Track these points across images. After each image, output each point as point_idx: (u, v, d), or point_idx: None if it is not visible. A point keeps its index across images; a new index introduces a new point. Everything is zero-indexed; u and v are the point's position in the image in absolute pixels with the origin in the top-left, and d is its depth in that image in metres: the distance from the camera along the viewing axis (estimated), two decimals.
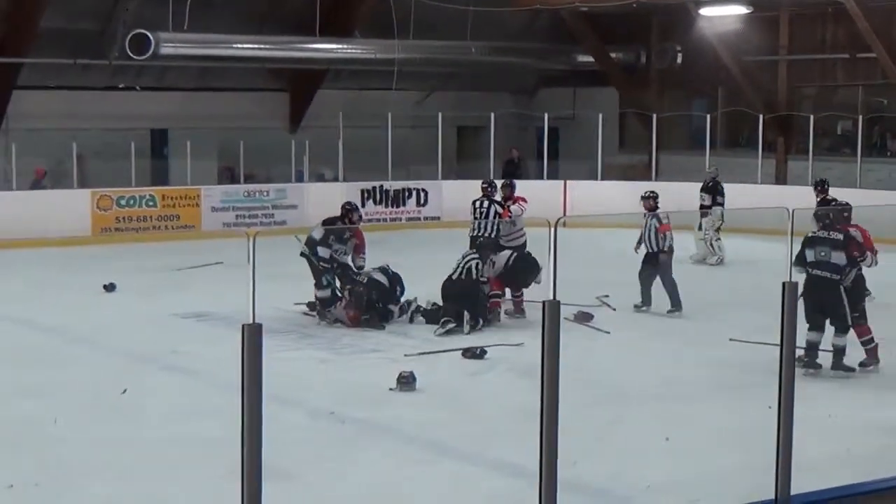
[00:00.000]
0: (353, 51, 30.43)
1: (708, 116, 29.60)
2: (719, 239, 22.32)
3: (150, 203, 26.03)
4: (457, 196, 25.81)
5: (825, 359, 13.14)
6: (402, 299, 16.55)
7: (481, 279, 15.99)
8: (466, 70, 32.69)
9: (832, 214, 13.45)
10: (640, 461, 10.00)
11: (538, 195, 21.09)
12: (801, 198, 20.02)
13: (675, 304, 16.85)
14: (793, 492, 6.94)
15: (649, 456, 10.14)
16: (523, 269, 16.59)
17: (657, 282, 17.03)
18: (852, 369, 13.10)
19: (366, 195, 27.71)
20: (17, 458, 10.07)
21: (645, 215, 17.26)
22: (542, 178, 29.54)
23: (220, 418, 10.89)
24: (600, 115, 29.46)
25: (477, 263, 16.04)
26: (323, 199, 24.43)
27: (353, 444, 10.60)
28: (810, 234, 13.17)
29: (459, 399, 12.41)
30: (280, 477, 8.32)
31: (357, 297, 16.14)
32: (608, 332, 15.62)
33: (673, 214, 21.18)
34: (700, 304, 17.41)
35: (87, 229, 25.09)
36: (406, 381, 12.45)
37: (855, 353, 13.27)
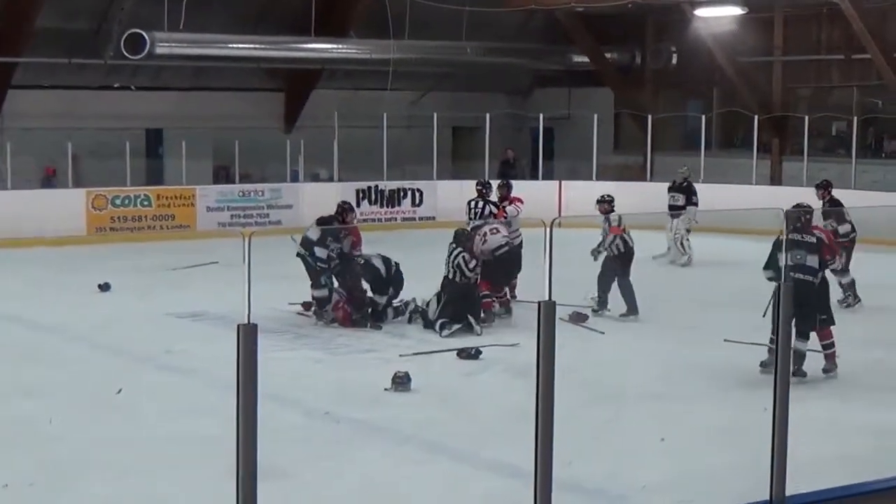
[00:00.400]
0: (349, 51, 30.43)
1: (703, 117, 29.61)
2: (688, 239, 22.28)
3: (146, 203, 26.01)
4: (452, 196, 25.80)
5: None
6: (400, 299, 16.54)
7: (468, 267, 15.98)
8: (461, 70, 32.70)
9: (804, 216, 13.25)
10: (635, 461, 10.01)
11: (533, 195, 21.10)
12: (796, 199, 19.96)
13: (631, 310, 16.71)
14: (787, 493, 6.95)
15: (644, 456, 10.15)
16: (509, 262, 16.61)
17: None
18: (805, 374, 12.74)
19: (361, 195, 27.72)
20: (13, 458, 10.07)
21: (605, 219, 17.13)
22: (537, 178, 29.56)
23: (216, 417, 10.88)
24: (595, 116, 29.48)
25: (464, 256, 16.04)
26: (318, 198, 24.42)
27: (349, 444, 10.60)
28: (782, 238, 12.74)
29: (454, 399, 12.42)
30: (275, 476, 8.31)
31: (353, 277, 16.13)
32: (602, 333, 15.63)
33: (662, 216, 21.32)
34: (694, 305, 17.44)
35: (81, 229, 25.07)
36: (401, 382, 12.46)
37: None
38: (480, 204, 18.20)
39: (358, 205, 26.18)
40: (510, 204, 18.14)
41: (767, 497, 6.90)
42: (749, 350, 13.19)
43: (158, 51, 26.66)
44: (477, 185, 18.82)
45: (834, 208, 17.76)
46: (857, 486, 7.46)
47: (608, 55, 33.39)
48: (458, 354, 14.20)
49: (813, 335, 12.96)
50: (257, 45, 29.38)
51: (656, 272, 21.28)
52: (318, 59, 30.44)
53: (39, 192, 25.25)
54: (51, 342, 15.29)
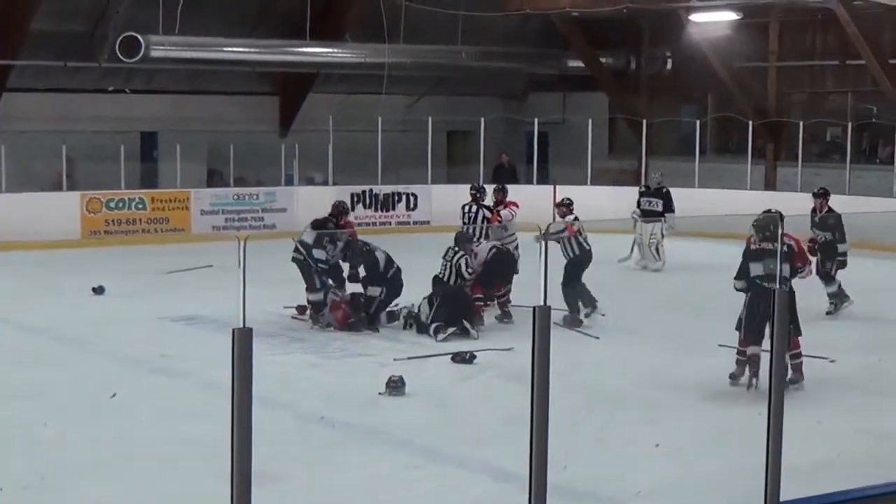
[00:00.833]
0: (344, 55, 30.45)
1: (697, 122, 29.65)
2: (663, 245, 22.19)
3: (140, 206, 25.99)
4: (446, 200, 25.81)
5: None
6: (395, 303, 16.52)
7: (468, 272, 16.01)
8: (456, 74, 32.71)
9: (773, 225, 12.94)
10: (629, 466, 10.00)
11: (528, 200, 21.09)
12: (791, 204, 19.96)
13: (589, 304, 16.68)
14: (782, 498, 6.94)
15: (638, 461, 10.14)
16: (502, 265, 16.60)
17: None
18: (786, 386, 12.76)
19: (355, 199, 27.71)
20: (6, 460, 10.04)
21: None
22: (531, 182, 29.56)
23: (210, 421, 10.88)
24: (590, 121, 29.51)
25: (466, 259, 16.08)
26: (312, 202, 24.38)
27: (343, 448, 10.59)
28: (753, 247, 12.77)
29: (449, 403, 12.42)
30: (270, 480, 8.30)
31: (354, 257, 16.20)
32: (597, 338, 15.62)
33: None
34: (687, 310, 17.43)
35: (76, 232, 25.06)
36: (395, 386, 12.45)
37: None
38: (475, 208, 18.21)
39: (353, 208, 26.15)
40: (505, 208, 18.13)
41: (762, 502, 6.89)
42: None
43: (153, 54, 26.65)
44: (471, 189, 18.82)
45: (831, 213, 17.65)
46: (853, 491, 7.45)
47: (603, 60, 33.41)
48: (452, 359, 14.19)
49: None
50: (252, 49, 29.39)
51: (654, 278, 21.31)
52: (313, 62, 30.44)
53: (34, 194, 25.20)
54: (45, 345, 15.28)
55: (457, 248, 16.30)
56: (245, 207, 27.07)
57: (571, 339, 15.16)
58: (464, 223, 17.96)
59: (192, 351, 14.59)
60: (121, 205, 25.77)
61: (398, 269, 16.51)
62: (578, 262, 16.67)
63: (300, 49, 29.75)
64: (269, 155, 28.54)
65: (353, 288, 16.62)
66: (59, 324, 16.47)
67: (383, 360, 14.09)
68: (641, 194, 22.83)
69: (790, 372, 12.33)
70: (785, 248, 12.66)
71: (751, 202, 26.04)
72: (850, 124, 28.30)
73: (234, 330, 5.33)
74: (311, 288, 16.29)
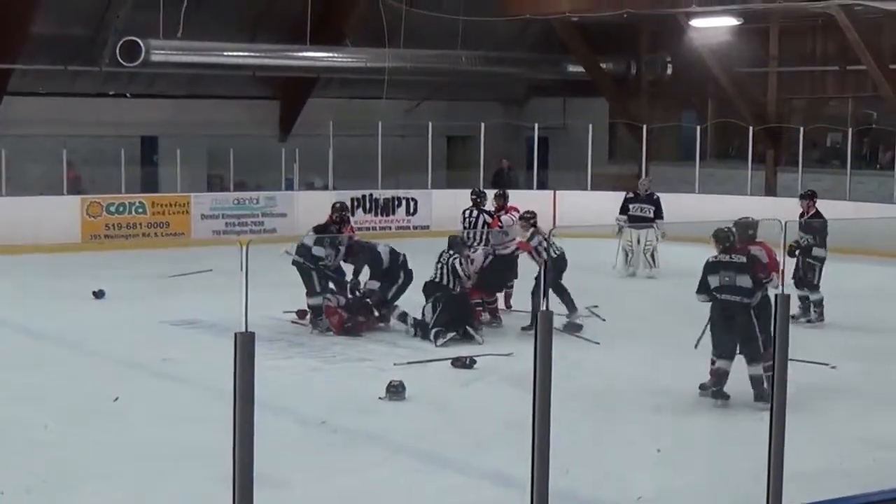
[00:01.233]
0: (344, 59, 30.49)
1: (698, 128, 29.64)
2: (657, 251, 22.05)
3: (140, 210, 26.00)
4: (446, 205, 25.84)
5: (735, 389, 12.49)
6: (397, 308, 16.51)
7: (463, 272, 16.03)
8: (456, 79, 32.72)
9: (735, 234, 12.65)
10: (630, 471, 9.99)
11: (528, 205, 21.05)
12: (791, 210, 19.99)
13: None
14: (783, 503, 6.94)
15: (640, 466, 10.13)
16: (500, 271, 16.58)
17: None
18: (727, 396, 12.28)
19: (355, 203, 27.71)
20: (8, 463, 10.04)
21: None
22: (531, 188, 29.56)
23: (210, 425, 10.88)
24: (590, 126, 29.49)
25: (460, 261, 16.09)
26: (313, 207, 24.40)
27: (343, 453, 10.58)
28: (711, 259, 12.50)
29: (449, 408, 12.40)
30: (269, 485, 8.29)
31: (357, 258, 16.27)
32: (598, 343, 15.61)
33: (668, 226, 21.23)
34: (686, 317, 17.36)
35: (76, 236, 25.08)
36: (395, 391, 12.44)
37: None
38: (475, 213, 18.20)
39: (352, 213, 26.16)
40: (506, 213, 18.13)
41: None
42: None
43: (154, 58, 26.68)
44: (472, 194, 18.82)
45: (816, 220, 17.56)
46: (854, 498, 7.45)
47: (603, 65, 33.41)
48: (452, 363, 14.18)
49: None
50: (252, 53, 29.42)
51: (651, 284, 21.30)
52: (313, 67, 30.48)
53: (35, 198, 25.20)
54: (44, 348, 15.27)
55: (451, 252, 16.29)
56: (245, 212, 27.08)
57: (571, 344, 15.15)
58: (464, 228, 17.97)
59: (193, 355, 14.59)
60: (121, 209, 25.79)
61: (404, 258, 16.53)
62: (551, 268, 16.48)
63: (300, 53, 29.78)
64: (269, 159, 28.57)
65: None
66: (60, 327, 16.46)
67: (383, 364, 14.09)
68: (630, 200, 22.42)
69: (765, 383, 12.00)
70: (743, 258, 12.31)
71: (751, 207, 25.98)
72: (850, 130, 28.31)
73: (236, 334, 5.33)
74: (310, 292, 16.28)
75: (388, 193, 28.68)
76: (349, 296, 16.50)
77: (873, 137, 30.03)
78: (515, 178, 31.36)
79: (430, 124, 29.15)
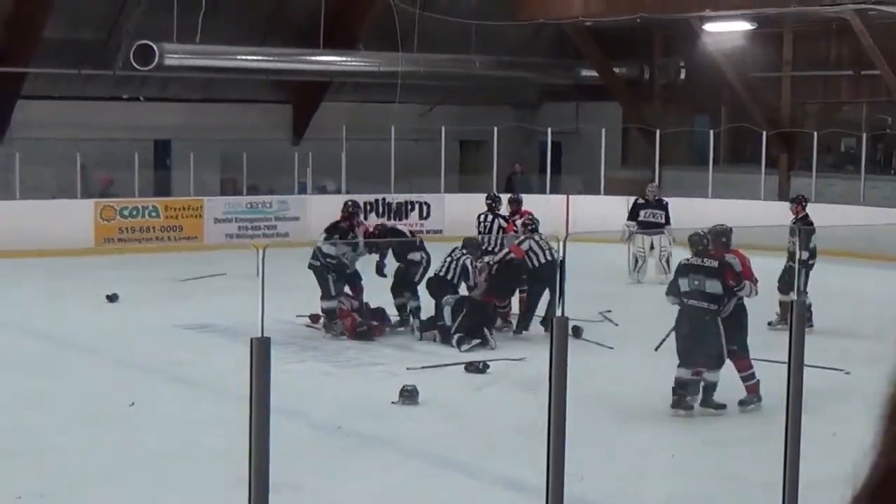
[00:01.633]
0: (357, 63, 30.47)
1: (711, 132, 29.59)
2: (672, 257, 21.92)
3: (153, 214, 26.04)
4: (459, 209, 25.84)
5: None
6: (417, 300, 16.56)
7: (474, 281, 16.06)
8: (469, 84, 32.71)
9: (708, 239, 12.45)
10: (643, 478, 9.98)
11: (541, 209, 21.08)
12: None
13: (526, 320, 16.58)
14: None
15: (652, 473, 10.12)
16: (508, 277, 16.56)
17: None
18: (723, 406, 12.09)
19: (368, 207, 27.63)
20: (20, 468, 10.05)
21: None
22: (544, 192, 29.53)
23: (223, 429, 10.90)
24: (603, 130, 29.47)
25: (470, 261, 16.12)
26: (325, 211, 24.34)
27: (356, 457, 10.58)
28: (683, 262, 12.35)
29: (462, 413, 12.40)
30: (282, 488, 8.29)
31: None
32: (611, 348, 15.59)
33: (678, 231, 21.11)
34: None
35: (89, 239, 25.10)
36: (409, 395, 12.44)
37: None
38: (490, 217, 18.18)
39: (365, 217, 26.16)
40: (520, 218, 18.10)
41: None
42: (758, 367, 13.11)
43: (167, 62, 26.69)
44: (487, 198, 18.83)
45: (806, 226, 17.49)
46: None
47: (616, 69, 33.38)
48: (465, 368, 14.19)
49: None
50: (266, 58, 29.42)
51: (663, 289, 21.21)
52: (326, 71, 30.49)
53: (48, 202, 25.25)
54: (58, 352, 15.28)
55: (464, 251, 16.34)
56: (258, 216, 27.11)
57: (583, 349, 15.12)
58: (479, 232, 17.97)
59: (206, 359, 14.62)
60: (134, 213, 25.82)
61: (422, 241, 16.90)
62: (542, 270, 16.40)
63: (313, 58, 29.78)
64: (281, 163, 28.58)
65: (372, 295, 16.65)
66: (74, 331, 16.49)
67: (396, 369, 14.08)
68: (640, 206, 22.26)
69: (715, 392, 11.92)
70: (715, 264, 12.11)
71: (764, 212, 26.05)
72: (864, 134, 28.23)
73: (252, 339, 5.33)
74: (325, 295, 16.29)
75: (401, 198, 28.68)
76: (365, 300, 16.54)
77: (887, 142, 29.95)
78: (528, 182, 31.32)
79: (443, 128, 29.14)
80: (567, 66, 33.90)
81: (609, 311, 17.55)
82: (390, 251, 16.68)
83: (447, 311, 15.91)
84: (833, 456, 10.21)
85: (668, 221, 21.69)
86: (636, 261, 21.89)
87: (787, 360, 13.19)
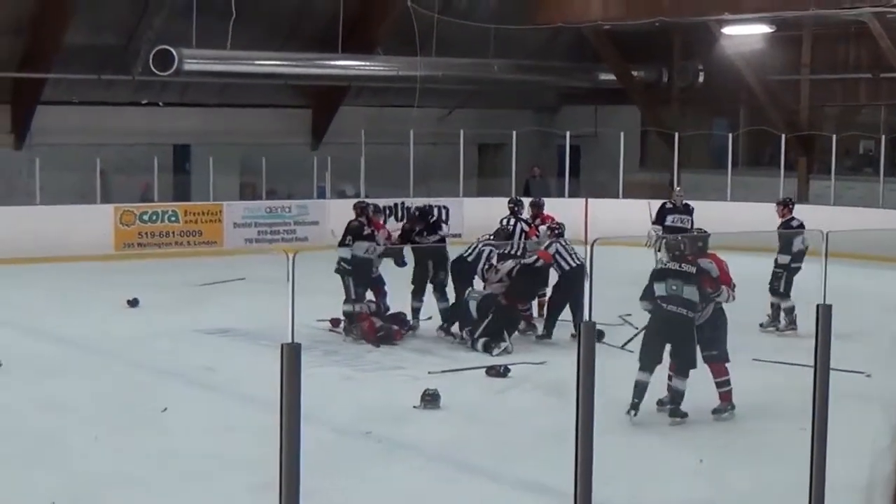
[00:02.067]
0: (376, 68, 30.49)
1: (730, 135, 29.53)
2: None
3: (173, 218, 26.09)
4: (478, 213, 25.87)
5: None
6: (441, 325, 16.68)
7: (494, 268, 16.15)
8: (488, 87, 32.75)
9: (686, 244, 12.30)
10: (664, 483, 9.97)
11: (559, 213, 21.05)
12: (823, 218, 19.83)
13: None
14: None
15: (674, 477, 10.11)
16: (528, 280, 16.56)
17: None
18: (685, 415, 11.87)
19: (387, 212, 27.71)
20: (43, 472, 10.09)
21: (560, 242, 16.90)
22: (563, 196, 29.51)
23: (246, 434, 10.95)
24: (622, 134, 29.43)
25: (490, 251, 16.18)
26: (344, 215, 24.32)
27: (378, 462, 10.60)
28: (660, 266, 12.22)
29: (483, 417, 12.40)
30: (304, 493, 8.31)
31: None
32: (632, 352, 15.55)
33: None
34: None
35: (109, 245, 25.17)
36: (430, 399, 12.45)
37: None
38: (512, 222, 18.18)
39: (384, 222, 26.20)
40: (542, 222, 18.08)
41: None
42: (780, 370, 13.14)
43: (186, 67, 26.74)
44: (509, 202, 18.83)
45: (789, 230, 17.46)
46: None
47: (635, 73, 33.37)
48: (486, 372, 14.19)
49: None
50: (284, 62, 29.42)
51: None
52: (344, 75, 30.50)
53: (68, 207, 25.29)
54: (79, 357, 15.34)
55: (491, 237, 16.43)
56: (277, 220, 27.15)
57: (605, 352, 15.08)
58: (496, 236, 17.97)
59: (227, 364, 14.65)
60: (154, 217, 25.87)
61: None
62: (571, 275, 16.41)
63: (332, 62, 29.80)
64: (300, 168, 28.64)
65: (394, 299, 16.71)
66: (95, 336, 16.54)
67: (417, 373, 14.09)
68: (668, 211, 22.01)
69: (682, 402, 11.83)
70: (693, 269, 11.94)
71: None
72: (882, 137, 28.20)
73: (282, 345, 5.34)
74: (347, 299, 16.32)
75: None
76: (386, 304, 16.59)
77: None
78: (547, 185, 31.31)
79: (462, 132, 29.15)
80: (585, 70, 33.90)
81: (629, 315, 17.51)
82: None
83: (472, 306, 15.94)
84: (862, 460, 10.26)
85: (693, 227, 21.62)
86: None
87: (785, 362, 13.32)
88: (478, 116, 33.04)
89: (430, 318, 17.07)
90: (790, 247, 17.09)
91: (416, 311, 17.05)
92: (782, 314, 17.14)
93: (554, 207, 21.15)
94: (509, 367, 14.26)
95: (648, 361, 11.84)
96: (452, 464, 10.67)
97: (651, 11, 29.07)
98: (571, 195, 29.53)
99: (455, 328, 16.43)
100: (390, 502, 9.60)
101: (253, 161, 28.56)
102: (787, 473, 8.68)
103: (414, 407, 12.37)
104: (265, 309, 17.55)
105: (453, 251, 17.06)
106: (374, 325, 16.14)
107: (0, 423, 11.82)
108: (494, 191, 28.29)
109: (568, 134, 29.97)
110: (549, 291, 17.01)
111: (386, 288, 16.78)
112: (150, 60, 26.62)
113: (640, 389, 11.79)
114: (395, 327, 16.37)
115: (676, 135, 29.63)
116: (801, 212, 23.68)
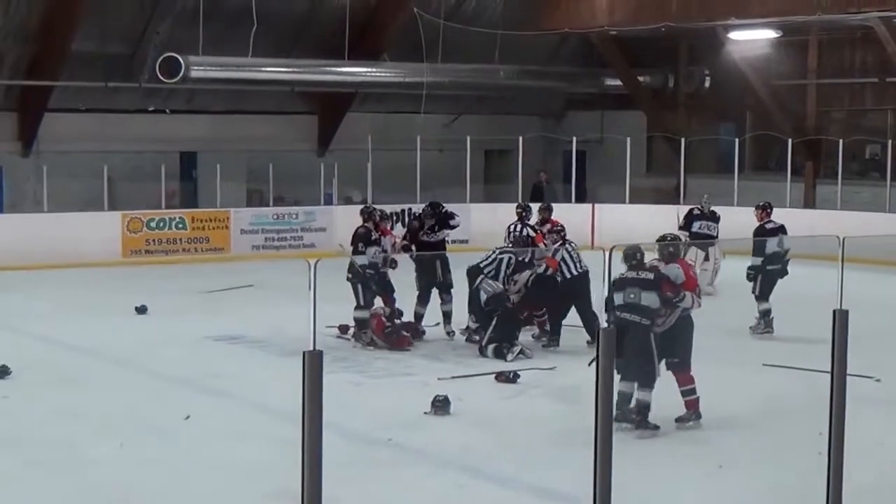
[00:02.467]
0: (382, 74, 30.51)
1: (736, 140, 29.55)
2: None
3: (180, 225, 26.12)
4: (485, 219, 25.89)
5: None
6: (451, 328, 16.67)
7: (512, 279, 16.14)
8: (494, 93, 32.79)
9: (642, 253, 11.95)
10: (680, 487, 9.96)
11: (566, 218, 21.05)
12: (830, 222, 19.91)
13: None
14: None
15: (690, 482, 10.10)
16: (543, 288, 16.54)
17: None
18: (657, 427, 11.63)
19: (394, 218, 27.68)
20: (53, 481, 10.09)
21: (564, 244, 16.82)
22: (570, 201, 29.55)
23: (258, 441, 10.96)
24: (628, 139, 29.48)
25: (510, 258, 16.16)
26: (351, 221, 24.35)
27: (389, 468, 10.59)
28: (619, 276, 11.82)
29: (493, 422, 12.38)
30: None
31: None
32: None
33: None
34: (721, 332, 17.28)
35: (117, 252, 25.20)
36: (441, 405, 12.44)
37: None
38: (519, 227, 18.17)
39: (391, 227, 26.20)
40: (551, 228, 18.04)
41: None
42: (791, 374, 13.12)
43: (193, 74, 26.79)
44: (517, 208, 18.81)
45: (763, 238, 17.44)
46: None
47: (641, 78, 33.38)
48: (496, 378, 14.18)
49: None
50: (291, 69, 29.48)
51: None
52: (351, 82, 30.54)
53: (75, 214, 25.35)
54: (88, 365, 15.31)
55: (510, 244, 16.58)
56: (284, 227, 27.18)
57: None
58: (509, 243, 17.95)
59: (236, 370, 14.65)
60: (161, 224, 25.90)
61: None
62: (574, 282, 16.35)
63: (339, 69, 29.85)
64: (307, 174, 28.67)
65: (403, 306, 16.78)
66: (103, 343, 16.52)
67: (427, 379, 14.07)
68: (696, 217, 21.85)
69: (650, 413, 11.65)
70: (651, 276, 11.73)
71: (789, 220, 25.92)
72: (889, 142, 28.16)
73: (304, 353, 5.36)
74: (357, 305, 16.31)
75: None
76: (399, 309, 16.62)
77: None
78: (554, 191, 31.34)
79: (469, 138, 29.18)
80: (592, 75, 33.93)
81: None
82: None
83: (482, 297, 15.95)
84: (879, 465, 10.25)
85: (718, 234, 21.58)
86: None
87: (785, 365, 13.30)
88: (484, 122, 33.07)
89: (437, 323, 17.08)
90: (762, 250, 17.11)
91: (419, 317, 17.07)
92: (760, 316, 17.16)
93: (560, 213, 21.14)
94: (518, 372, 14.25)
95: (625, 370, 11.51)
96: (463, 470, 10.65)
97: (657, 17, 29.09)
98: (578, 200, 29.61)
99: (453, 327, 16.67)
100: None
101: (260, 168, 28.61)
102: (799, 478, 8.68)
103: (424, 413, 12.36)
104: (273, 316, 17.70)
105: (465, 258, 17.00)
106: (383, 323, 16.16)
107: (10, 430, 11.82)
108: (501, 197, 28.33)
109: (574, 139, 30.02)
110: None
111: (395, 295, 16.77)
112: (157, 68, 26.67)
113: (621, 399, 11.43)
114: (406, 333, 16.38)
115: (683, 140, 29.67)
116: (808, 216, 23.77)
